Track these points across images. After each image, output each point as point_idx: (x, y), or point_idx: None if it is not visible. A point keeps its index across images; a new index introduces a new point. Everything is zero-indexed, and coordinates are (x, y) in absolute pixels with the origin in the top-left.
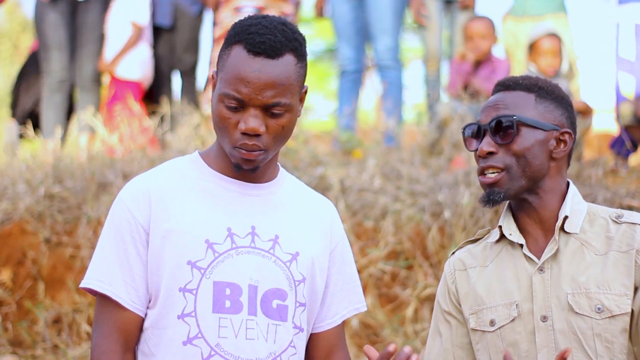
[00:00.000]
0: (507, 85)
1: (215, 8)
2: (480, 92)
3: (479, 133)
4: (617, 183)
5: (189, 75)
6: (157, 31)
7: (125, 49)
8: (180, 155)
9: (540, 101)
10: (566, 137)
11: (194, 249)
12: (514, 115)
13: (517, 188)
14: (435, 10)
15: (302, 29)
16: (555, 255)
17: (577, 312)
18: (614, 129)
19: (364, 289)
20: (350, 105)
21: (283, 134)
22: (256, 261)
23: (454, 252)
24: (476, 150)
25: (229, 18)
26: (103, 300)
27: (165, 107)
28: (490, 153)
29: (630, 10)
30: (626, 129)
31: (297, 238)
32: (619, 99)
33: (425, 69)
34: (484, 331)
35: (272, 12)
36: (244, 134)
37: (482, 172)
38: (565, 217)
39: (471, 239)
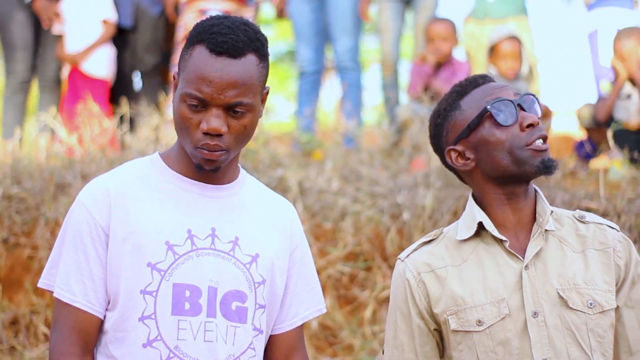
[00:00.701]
0: (487, 76)
1: (175, 9)
2: (440, 94)
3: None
4: (576, 185)
5: (149, 76)
6: (118, 32)
7: (94, 45)
8: (139, 156)
9: None
10: None
11: (154, 251)
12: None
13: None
14: (391, 13)
15: (263, 30)
16: (538, 252)
17: (571, 308)
18: (575, 132)
19: (323, 290)
20: (310, 106)
21: (245, 134)
22: (216, 263)
23: (408, 255)
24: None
25: (192, 20)
26: (61, 302)
27: (125, 108)
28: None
29: (599, 14)
30: (587, 132)
31: (257, 240)
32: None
33: (381, 72)
34: (468, 331)
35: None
36: (205, 134)
37: (535, 141)
38: (551, 212)
39: (424, 240)
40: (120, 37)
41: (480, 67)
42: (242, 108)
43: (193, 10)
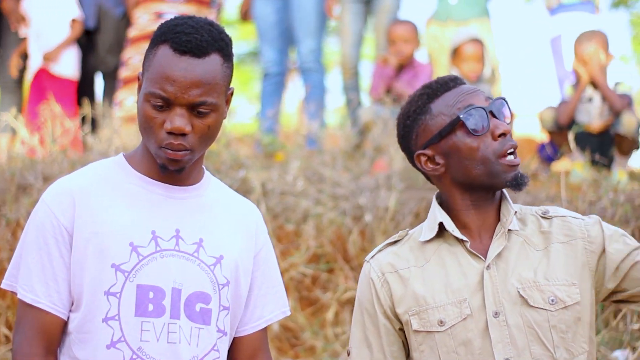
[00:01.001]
0: (458, 79)
1: (134, 8)
2: (402, 96)
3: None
4: (538, 187)
5: (111, 77)
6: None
7: (64, 44)
8: (101, 157)
9: None
10: None
11: (118, 252)
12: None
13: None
14: (351, 16)
15: (227, 31)
16: (500, 252)
17: (532, 306)
18: (537, 134)
19: (286, 292)
20: (273, 108)
21: (209, 134)
22: (180, 264)
23: (373, 256)
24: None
25: (146, 21)
26: (24, 303)
27: (87, 109)
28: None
29: (561, 19)
30: (549, 134)
31: (221, 242)
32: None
33: (342, 75)
34: (430, 332)
35: None
36: (169, 133)
37: (507, 154)
38: (515, 212)
39: (390, 241)
40: (83, 38)
41: (443, 69)
42: (206, 108)
43: (148, 12)
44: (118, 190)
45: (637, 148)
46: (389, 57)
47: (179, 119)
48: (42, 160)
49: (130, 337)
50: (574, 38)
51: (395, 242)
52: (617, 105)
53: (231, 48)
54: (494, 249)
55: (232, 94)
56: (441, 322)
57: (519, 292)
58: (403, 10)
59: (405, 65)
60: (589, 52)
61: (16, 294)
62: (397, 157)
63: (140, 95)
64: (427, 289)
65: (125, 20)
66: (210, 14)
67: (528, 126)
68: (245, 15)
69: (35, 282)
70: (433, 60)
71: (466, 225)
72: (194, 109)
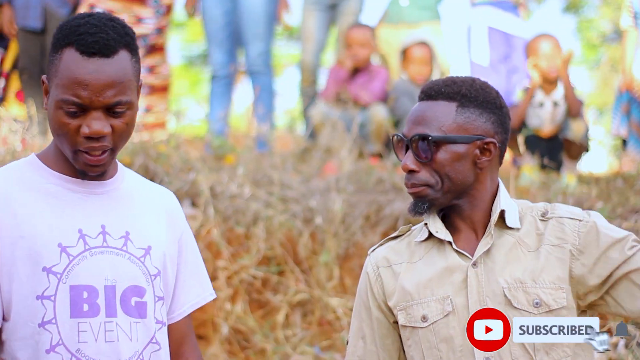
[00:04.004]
0: (429, 94)
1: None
2: (354, 100)
3: (403, 144)
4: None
5: None
6: (28, 34)
7: None
8: None
9: (462, 110)
10: (490, 146)
11: (48, 254)
12: (430, 136)
13: (442, 200)
14: (315, 23)
15: (175, 33)
16: (488, 250)
17: (515, 307)
18: None
19: (235, 295)
20: (222, 110)
21: (128, 131)
22: (111, 260)
23: (374, 249)
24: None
25: None
26: None
27: (33, 110)
28: (412, 171)
29: (482, 12)
30: None
31: (147, 232)
32: None
33: (300, 82)
34: (414, 327)
35: (124, 15)
36: (88, 138)
37: (407, 184)
38: (503, 211)
39: (392, 235)
40: (30, 39)
41: (394, 72)
42: (122, 107)
43: (85, 6)
44: (38, 192)
45: (586, 152)
46: (344, 60)
47: (96, 123)
48: None
49: (67, 339)
50: (483, 31)
51: (396, 237)
52: (575, 108)
53: (136, 41)
54: (480, 247)
55: (141, 86)
56: (424, 317)
57: (504, 291)
58: (365, 14)
59: (360, 69)
60: (549, 50)
61: None
62: (347, 160)
63: (51, 102)
64: (415, 284)
65: None
66: (146, 12)
67: None
68: (192, 10)
69: None
70: (385, 63)
71: (454, 224)
72: (110, 110)
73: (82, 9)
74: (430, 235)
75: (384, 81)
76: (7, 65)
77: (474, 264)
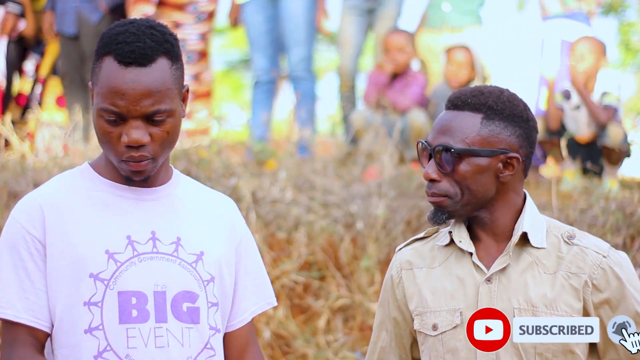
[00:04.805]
0: (456, 104)
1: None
2: (393, 105)
3: (427, 152)
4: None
5: None
6: (67, 40)
7: None
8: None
9: (487, 123)
10: (513, 161)
11: (95, 261)
12: (452, 148)
13: (462, 211)
14: (353, 29)
15: (217, 39)
16: (504, 267)
17: None
18: None
19: (277, 299)
20: (264, 115)
21: (169, 140)
22: (161, 266)
23: (400, 249)
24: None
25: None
26: (6, 321)
27: (77, 116)
28: (433, 180)
29: (556, 25)
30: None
31: (200, 238)
32: (537, 113)
33: (339, 88)
34: (426, 334)
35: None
36: (128, 146)
37: (427, 193)
38: (524, 234)
39: (419, 236)
40: (70, 44)
41: (434, 77)
42: (161, 115)
43: (137, 14)
44: (88, 199)
45: (627, 157)
46: (384, 64)
47: (134, 132)
48: (32, 167)
49: (116, 345)
50: (556, 43)
51: (423, 238)
52: (600, 119)
53: (178, 47)
54: (497, 264)
55: (187, 91)
56: (434, 326)
57: (514, 312)
58: (403, 19)
59: (399, 74)
60: (586, 51)
61: None
62: (389, 165)
63: (94, 110)
64: (431, 292)
65: (103, 26)
66: (187, 19)
67: None
68: (235, 21)
69: (14, 299)
70: (425, 68)
71: (476, 234)
72: (149, 119)
73: (133, 13)
74: (452, 241)
75: (422, 87)
76: (45, 71)
77: (489, 280)
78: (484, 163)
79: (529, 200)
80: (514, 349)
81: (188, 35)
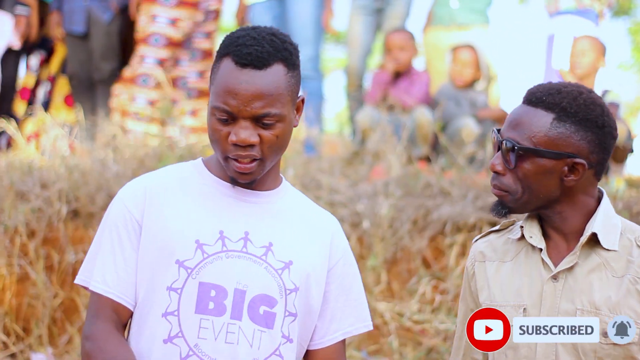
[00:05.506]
0: (530, 99)
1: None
2: (398, 103)
3: (497, 142)
4: None
5: (106, 84)
6: (75, 39)
7: None
8: (99, 163)
9: (558, 125)
10: (579, 166)
11: (183, 248)
12: (517, 145)
13: (522, 209)
14: (361, 28)
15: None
16: (572, 267)
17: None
18: None
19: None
20: None
21: (278, 144)
22: (246, 266)
23: (476, 240)
24: None
25: (145, 24)
26: (96, 294)
27: (81, 115)
28: (498, 172)
29: (566, 21)
30: None
31: (292, 247)
32: None
33: (346, 86)
34: None
35: (186, 22)
36: (235, 145)
37: (491, 183)
38: (595, 234)
39: (495, 228)
40: (77, 44)
41: (440, 75)
42: (271, 119)
43: (146, 15)
44: (189, 190)
45: (631, 152)
46: (386, 63)
47: (242, 131)
48: (39, 167)
49: (188, 333)
50: (567, 39)
51: (499, 230)
52: None
53: (296, 57)
54: (563, 263)
55: (303, 101)
56: None
57: (577, 313)
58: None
59: (402, 73)
60: (584, 49)
61: (87, 288)
62: (395, 164)
63: (208, 108)
64: (499, 286)
65: (114, 25)
66: (199, 16)
67: None
68: (242, 21)
69: (107, 273)
70: (430, 67)
71: (547, 231)
72: (259, 121)
73: (145, 14)
74: (523, 237)
75: (426, 85)
76: (53, 69)
77: (555, 278)
78: (548, 164)
79: (604, 201)
80: (574, 350)
81: (193, 33)
